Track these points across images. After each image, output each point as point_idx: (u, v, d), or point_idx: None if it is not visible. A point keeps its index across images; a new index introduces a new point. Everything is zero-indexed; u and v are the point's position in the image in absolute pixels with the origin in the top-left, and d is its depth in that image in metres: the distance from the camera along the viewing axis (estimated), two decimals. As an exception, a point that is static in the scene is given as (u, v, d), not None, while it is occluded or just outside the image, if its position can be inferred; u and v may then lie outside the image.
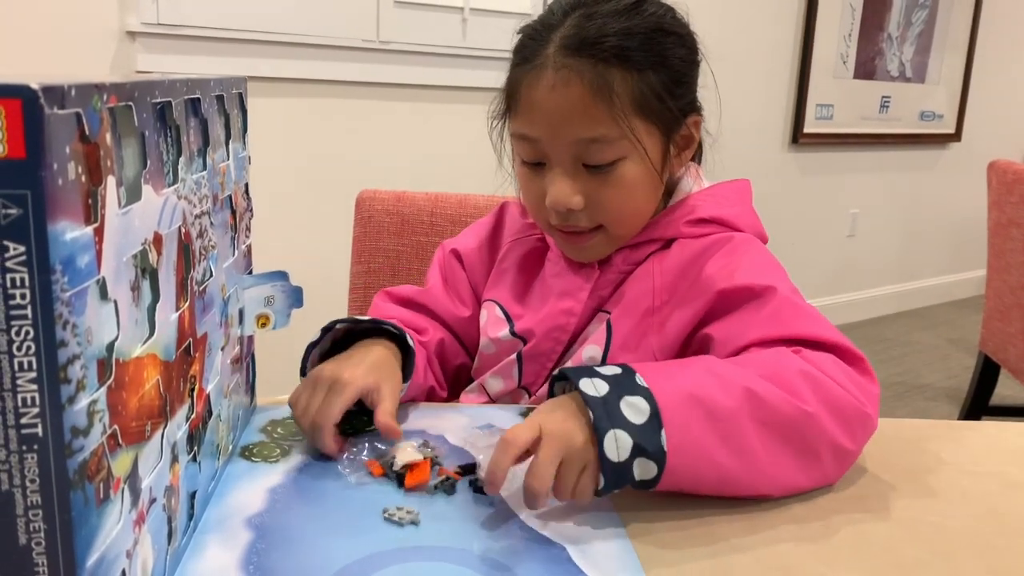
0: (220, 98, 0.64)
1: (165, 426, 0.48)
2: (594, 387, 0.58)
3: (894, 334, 3.56)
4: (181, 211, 0.51)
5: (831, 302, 3.63)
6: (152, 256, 0.45)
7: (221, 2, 1.94)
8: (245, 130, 0.73)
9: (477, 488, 0.63)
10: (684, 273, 0.77)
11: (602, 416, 0.57)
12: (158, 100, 0.47)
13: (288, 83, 2.10)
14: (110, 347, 0.38)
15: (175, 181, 0.50)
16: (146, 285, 0.45)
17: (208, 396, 0.58)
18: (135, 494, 0.42)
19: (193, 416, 0.54)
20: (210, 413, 0.58)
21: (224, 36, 1.96)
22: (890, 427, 0.76)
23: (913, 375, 3.03)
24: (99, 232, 0.37)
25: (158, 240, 0.46)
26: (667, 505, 0.61)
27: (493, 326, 0.86)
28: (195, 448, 0.55)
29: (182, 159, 0.51)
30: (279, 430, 0.74)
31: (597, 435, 0.56)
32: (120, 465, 0.40)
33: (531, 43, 0.76)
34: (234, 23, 1.97)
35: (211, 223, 0.58)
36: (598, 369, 0.61)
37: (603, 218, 0.77)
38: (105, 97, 0.39)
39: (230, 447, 0.67)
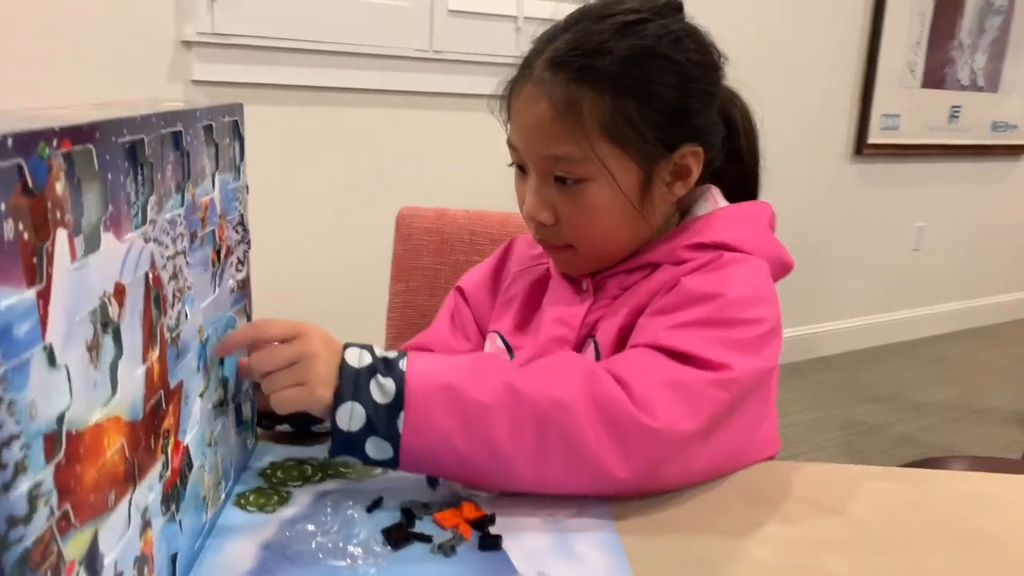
0: (208, 128, 0.63)
1: (133, 492, 0.47)
2: (358, 359, 0.65)
3: (956, 353, 3.48)
4: (149, 255, 0.50)
5: (892, 318, 3.57)
6: (113, 309, 0.44)
7: (275, 12, 2.01)
8: (241, 158, 0.73)
9: (486, 545, 0.61)
10: (662, 289, 0.77)
11: (348, 386, 0.63)
12: (127, 139, 0.47)
13: (340, 92, 2.16)
14: (60, 419, 0.37)
15: (143, 223, 0.49)
16: (108, 341, 0.44)
17: (187, 448, 0.57)
18: (92, 573, 0.41)
19: (168, 474, 0.53)
20: (190, 465, 0.57)
21: (278, 45, 2.03)
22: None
23: (978, 397, 2.95)
24: (44, 295, 0.36)
25: (120, 291, 0.45)
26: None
27: None
28: (172, 507, 0.53)
29: (153, 198, 0.51)
30: (279, 474, 0.73)
31: (335, 402, 0.63)
32: (74, 547, 0.39)
33: (531, 52, 0.79)
34: (288, 32, 2.04)
35: (187, 263, 0.57)
36: (379, 349, 0.66)
37: (571, 238, 0.79)
38: (55, 143, 0.38)
39: (222, 496, 0.66)
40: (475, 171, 2.32)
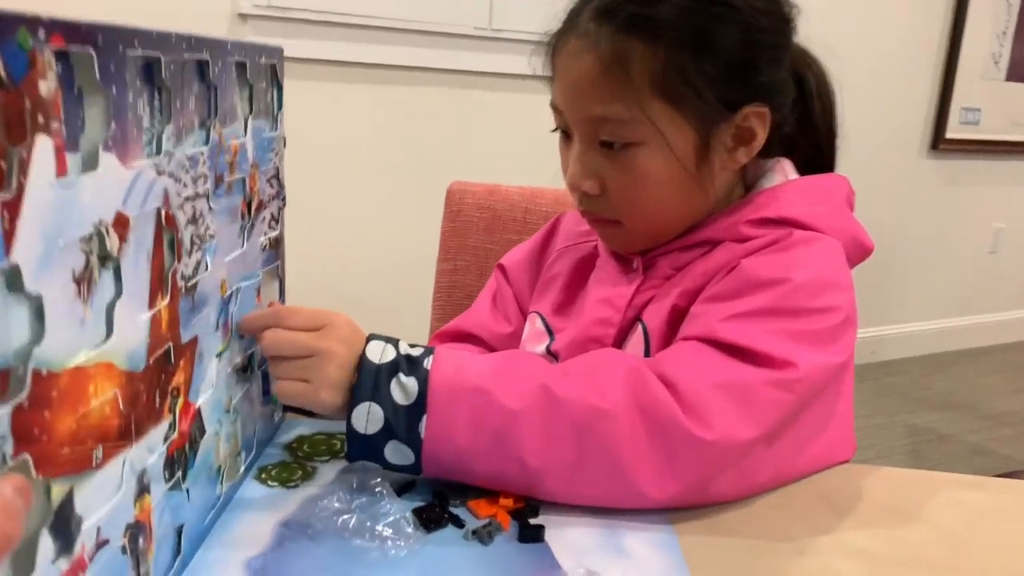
0: (241, 65, 0.58)
1: (128, 450, 0.41)
2: (380, 354, 0.59)
3: (1033, 361, 3.28)
4: (162, 190, 0.44)
5: (964, 323, 3.39)
6: (111, 242, 0.39)
7: None
8: (279, 107, 0.67)
9: (526, 536, 0.55)
10: (721, 271, 0.68)
11: (366, 384, 0.57)
12: (139, 53, 0.41)
13: (396, 70, 2.11)
14: (22, 354, 0.32)
15: (157, 152, 0.44)
16: (105, 277, 0.39)
17: (198, 411, 0.51)
18: (65, 538, 0.35)
19: (174, 436, 0.47)
20: (202, 431, 0.52)
21: (334, 20, 1.99)
22: None
23: (1055, 407, 2.77)
24: (11, 206, 0.30)
25: (122, 222, 0.40)
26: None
27: (532, 340, 0.81)
28: (178, 474, 0.48)
29: (170, 128, 0.45)
30: (305, 447, 0.68)
31: (352, 401, 0.57)
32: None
33: (577, 2, 0.70)
34: (346, 7, 1.99)
35: (209, 208, 0.51)
36: (405, 344, 0.60)
37: (618, 210, 0.71)
38: (42, 34, 0.32)
39: (240, 468, 0.60)
40: (531, 156, 2.25)
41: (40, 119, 0.32)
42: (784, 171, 0.74)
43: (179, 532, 0.49)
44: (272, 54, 0.65)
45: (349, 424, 0.57)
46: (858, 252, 0.71)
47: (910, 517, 0.63)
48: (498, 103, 2.25)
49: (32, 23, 0.31)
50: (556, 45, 0.71)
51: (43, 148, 0.32)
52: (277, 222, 0.69)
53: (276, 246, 0.69)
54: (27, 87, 0.31)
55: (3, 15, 0.30)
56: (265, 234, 0.65)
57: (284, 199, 0.70)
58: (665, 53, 0.64)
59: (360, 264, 2.15)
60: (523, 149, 2.17)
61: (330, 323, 0.60)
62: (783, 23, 0.69)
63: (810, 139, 0.76)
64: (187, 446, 0.49)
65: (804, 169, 0.75)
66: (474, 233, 1.15)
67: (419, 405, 0.57)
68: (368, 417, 0.57)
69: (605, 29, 0.65)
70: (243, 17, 1.90)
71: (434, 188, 1.30)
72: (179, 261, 0.47)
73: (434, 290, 1.17)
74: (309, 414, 0.72)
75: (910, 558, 0.57)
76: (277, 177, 0.68)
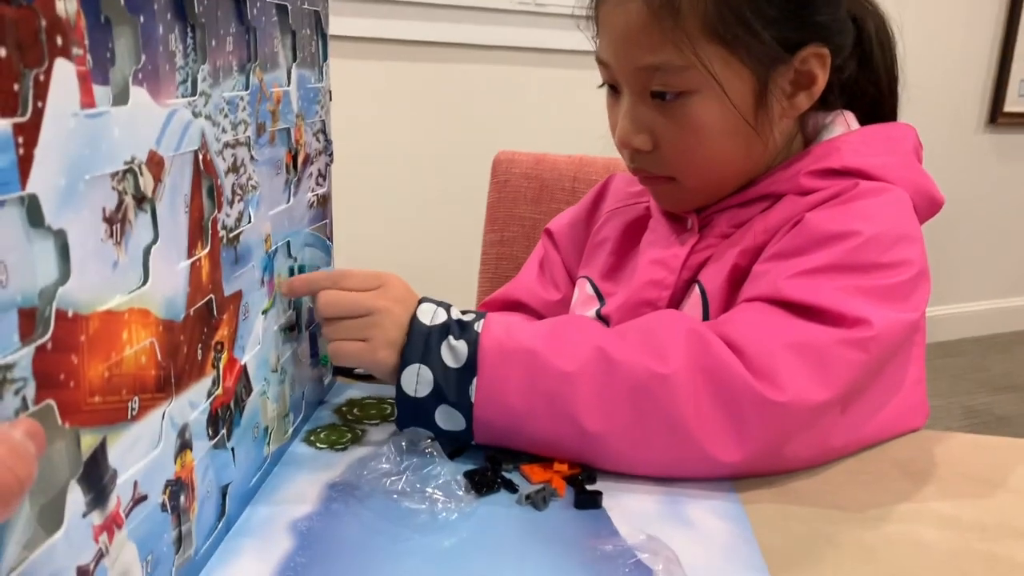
0: (283, 9, 0.54)
1: (168, 404, 0.38)
2: (432, 316, 0.57)
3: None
4: (200, 132, 0.41)
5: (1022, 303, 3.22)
6: (145, 181, 0.36)
7: None
8: (324, 58, 0.64)
9: (583, 502, 0.51)
10: (784, 226, 0.63)
11: (416, 346, 0.55)
12: (172, -16, 0.38)
13: (441, 47, 2.06)
14: (46, 293, 0.29)
15: (192, 93, 0.41)
16: (142, 219, 0.36)
17: (244, 368, 0.48)
18: (97, 491, 0.33)
19: (218, 392, 0.45)
20: (248, 389, 0.49)
21: None
22: None
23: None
24: (27, 131, 0.27)
25: (156, 162, 0.37)
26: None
27: (582, 305, 0.77)
28: (222, 431, 0.45)
29: (206, 67, 0.42)
30: (355, 411, 0.65)
31: (401, 363, 0.55)
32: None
33: None
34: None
35: (251, 157, 0.49)
36: (456, 310, 0.58)
37: (673, 166, 0.66)
38: (58, -50, 0.29)
39: (288, 430, 0.58)
40: (577, 132, 2.20)
41: (59, 41, 0.29)
42: (846, 122, 0.69)
43: (224, 491, 0.46)
44: (315, 1, 0.62)
45: (399, 387, 0.55)
46: (928, 205, 0.66)
47: (993, 484, 0.58)
48: (543, 79, 2.19)
49: (49, -65, 0.28)
50: None
51: (64, 73, 0.30)
52: (325, 179, 0.66)
53: (324, 204, 0.66)
54: (42, 5, 0.28)
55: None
56: (312, 190, 0.63)
57: (331, 155, 0.67)
58: None
59: (407, 238, 2.13)
60: (569, 125, 2.13)
61: (385, 283, 0.58)
62: None
63: (872, 85, 0.71)
64: (232, 403, 0.47)
65: (868, 121, 0.70)
66: (522, 203, 1.12)
67: (469, 368, 0.54)
68: (418, 379, 0.54)
69: None
70: (289, -8, 1.89)
71: (481, 162, 1.28)
72: (219, 210, 0.44)
73: (481, 262, 1.14)
74: (359, 378, 0.70)
75: (995, 525, 0.53)
76: (324, 132, 0.65)
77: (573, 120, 2.13)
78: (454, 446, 0.57)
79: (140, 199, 0.36)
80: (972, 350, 3.05)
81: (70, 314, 0.30)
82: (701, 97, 0.62)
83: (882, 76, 0.71)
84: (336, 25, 2.05)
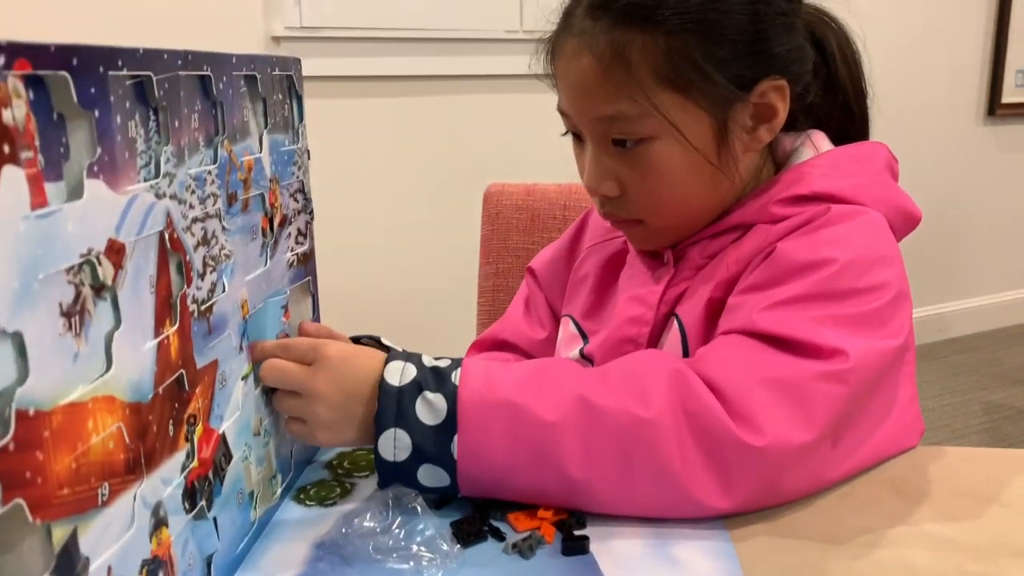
0: (252, 79, 0.55)
1: (139, 485, 0.39)
2: (400, 375, 0.55)
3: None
4: (164, 212, 0.42)
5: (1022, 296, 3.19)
6: (104, 271, 0.36)
7: (362, 3, 1.97)
8: (299, 119, 0.65)
9: (570, 549, 0.51)
10: (756, 257, 0.63)
11: (389, 410, 0.54)
12: (124, 73, 0.39)
13: (431, 80, 2.09)
14: (6, 394, 0.30)
15: (156, 175, 0.41)
16: (102, 308, 0.37)
17: (222, 437, 0.49)
18: (71, 583, 0.33)
19: (194, 464, 0.45)
20: (228, 457, 0.50)
21: (366, 36, 1.99)
22: None
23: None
24: (-25, 240, 0.28)
25: (116, 250, 0.37)
26: None
27: (567, 344, 0.77)
28: (201, 503, 0.46)
29: (169, 148, 0.43)
30: (345, 463, 0.65)
31: (376, 428, 0.54)
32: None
33: (571, 1, 0.66)
34: (375, 22, 1.99)
35: (223, 228, 0.49)
36: (428, 357, 0.57)
37: (640, 209, 0.67)
38: (2, 59, 0.30)
39: (276, 491, 0.58)
40: (569, 156, 2.22)
41: (6, 149, 0.30)
42: (815, 144, 0.69)
43: (208, 562, 0.47)
44: (287, 65, 0.63)
45: (377, 454, 0.54)
46: (905, 222, 0.66)
47: (986, 499, 0.58)
48: (533, 104, 2.20)
49: (-9, 49, 0.29)
50: (554, 47, 0.67)
51: (12, 179, 0.30)
52: (305, 237, 0.67)
53: (306, 261, 0.67)
54: (-12, 116, 0.29)
55: (-45, 42, 0.28)
56: (292, 250, 0.63)
57: (312, 213, 0.68)
58: (666, 40, 0.60)
59: (404, 274, 2.13)
60: (561, 150, 2.13)
61: (319, 357, 0.56)
62: None
63: (839, 104, 0.70)
64: (211, 473, 0.47)
65: (839, 140, 0.70)
66: (514, 234, 1.12)
67: (449, 423, 0.53)
68: (395, 444, 0.54)
69: (601, 24, 0.61)
70: (276, 40, 1.91)
71: (474, 193, 1.29)
72: (189, 285, 0.45)
73: (478, 294, 1.15)
74: None
75: (988, 544, 0.52)
76: (303, 191, 0.66)
77: (562, 144, 2.13)
78: (441, 496, 0.57)
79: (99, 288, 0.36)
80: (985, 345, 3.02)
81: (31, 412, 0.31)
82: (661, 142, 0.63)
83: (849, 93, 0.71)
84: (322, 66, 2.06)
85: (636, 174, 0.64)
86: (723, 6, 0.60)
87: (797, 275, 0.58)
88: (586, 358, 0.73)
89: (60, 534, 0.33)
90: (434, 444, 0.53)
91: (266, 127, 0.58)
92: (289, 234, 0.63)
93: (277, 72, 0.61)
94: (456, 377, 0.55)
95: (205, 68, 0.48)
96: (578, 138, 0.69)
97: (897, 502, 0.57)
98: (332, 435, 0.56)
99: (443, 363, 0.56)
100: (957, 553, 0.51)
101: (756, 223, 0.65)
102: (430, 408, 0.54)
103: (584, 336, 0.76)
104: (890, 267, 0.61)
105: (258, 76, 0.56)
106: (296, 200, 0.65)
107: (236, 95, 0.53)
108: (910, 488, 0.59)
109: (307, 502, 0.59)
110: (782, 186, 0.65)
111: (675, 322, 0.66)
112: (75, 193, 0.35)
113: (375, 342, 0.62)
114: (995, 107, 2.95)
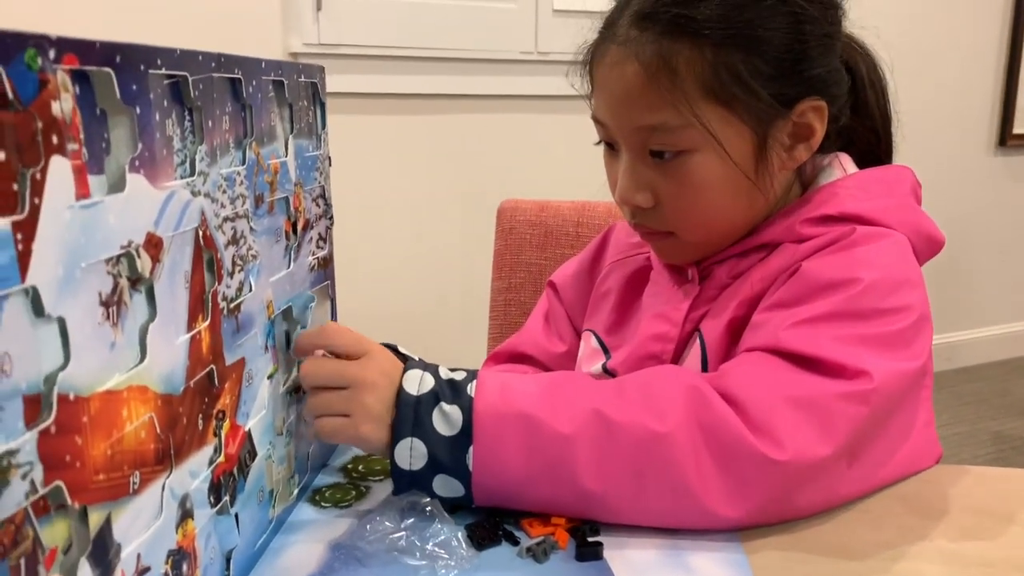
0: (280, 84, 0.57)
1: (167, 475, 0.40)
2: (418, 383, 0.56)
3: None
4: (199, 210, 0.43)
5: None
6: (142, 263, 0.37)
7: (380, 20, 1.99)
8: (322, 126, 0.66)
9: (584, 554, 0.51)
10: (782, 275, 0.64)
11: (406, 419, 0.54)
12: (163, 72, 0.40)
13: (447, 99, 2.11)
14: (50, 379, 0.30)
15: (191, 173, 0.42)
16: (138, 300, 0.38)
17: (247, 434, 0.50)
18: (104, 566, 0.34)
19: (220, 460, 0.46)
20: (252, 454, 0.50)
21: (383, 54, 2.01)
22: None
23: None
24: (25, 227, 0.29)
25: (154, 244, 0.38)
26: None
27: (588, 359, 0.77)
28: (225, 498, 0.46)
29: (203, 148, 0.44)
30: (360, 467, 0.66)
31: (392, 437, 0.54)
32: (55, 533, 0.31)
33: (614, 9, 0.67)
34: (393, 40, 2.01)
35: (251, 228, 0.50)
36: (445, 369, 0.58)
37: (673, 222, 0.67)
38: (52, 54, 0.31)
39: (293, 491, 0.59)
40: (582, 176, 2.23)
41: (55, 140, 0.31)
42: (843, 166, 0.69)
43: (228, 557, 0.47)
44: (312, 72, 0.64)
45: (393, 462, 0.55)
46: (928, 246, 0.66)
47: (999, 517, 0.58)
48: (549, 125, 2.23)
49: (40, 43, 0.31)
50: (594, 56, 0.67)
51: (59, 169, 0.31)
52: (325, 241, 0.68)
53: (325, 266, 0.68)
54: (38, 108, 0.30)
55: (9, 35, 0.29)
56: (313, 254, 0.64)
57: (332, 218, 0.69)
58: (713, 53, 0.61)
59: (416, 288, 2.15)
60: (574, 170, 2.15)
61: (370, 352, 0.58)
62: (832, 9, 0.65)
63: (866, 128, 0.72)
64: (236, 470, 0.48)
65: (864, 163, 0.71)
66: (527, 250, 1.14)
67: (465, 435, 0.54)
68: (412, 453, 0.54)
69: (647, 34, 0.62)
70: (294, 56, 1.94)
71: (487, 211, 1.31)
72: (219, 282, 0.46)
73: (490, 308, 1.16)
74: None
75: (1001, 560, 0.53)
76: (324, 196, 0.67)
77: (576, 164, 2.15)
78: (454, 503, 0.57)
79: (135, 280, 0.37)
80: (994, 374, 3.01)
81: (71, 397, 0.32)
82: (701, 155, 0.63)
83: (876, 118, 0.72)
84: (338, 82, 2.07)
85: (672, 186, 0.64)
86: (771, 24, 0.61)
87: (822, 293, 0.59)
88: (609, 373, 0.73)
89: (96, 519, 0.33)
90: (450, 455, 0.54)
91: (292, 132, 0.59)
92: (311, 238, 0.64)
93: (303, 79, 0.62)
94: (471, 389, 0.55)
95: (236, 71, 0.49)
96: (611, 147, 0.69)
97: (910, 518, 0.58)
98: (375, 428, 0.55)
99: (459, 375, 0.57)
100: (970, 569, 0.52)
101: (783, 242, 0.65)
102: (446, 419, 0.54)
103: (606, 351, 0.76)
104: (914, 290, 0.61)
105: (285, 82, 0.58)
106: (318, 205, 0.66)
107: (264, 99, 0.54)
108: (924, 504, 0.59)
109: (323, 504, 0.59)
110: (812, 206, 0.66)
111: (697, 339, 0.67)
112: (116, 186, 0.36)
113: (392, 351, 0.63)
114: (1006, 137, 2.96)
